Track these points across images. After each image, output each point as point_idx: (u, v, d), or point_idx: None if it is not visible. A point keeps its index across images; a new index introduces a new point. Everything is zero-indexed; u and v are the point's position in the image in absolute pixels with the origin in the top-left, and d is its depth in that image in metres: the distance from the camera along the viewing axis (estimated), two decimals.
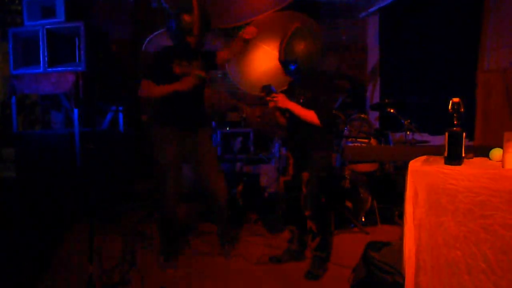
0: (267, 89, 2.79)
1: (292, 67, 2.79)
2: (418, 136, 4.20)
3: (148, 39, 4.95)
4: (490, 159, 1.90)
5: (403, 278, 1.75)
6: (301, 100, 2.82)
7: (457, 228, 1.64)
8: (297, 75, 2.85)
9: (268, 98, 2.79)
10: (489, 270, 1.57)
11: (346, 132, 4.30)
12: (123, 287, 2.69)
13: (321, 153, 2.85)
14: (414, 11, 5.16)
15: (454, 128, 1.74)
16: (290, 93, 2.90)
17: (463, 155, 1.76)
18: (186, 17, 2.85)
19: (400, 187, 4.12)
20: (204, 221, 4.14)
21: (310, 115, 2.76)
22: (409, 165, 1.81)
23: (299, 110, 2.79)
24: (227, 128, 5.44)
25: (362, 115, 4.34)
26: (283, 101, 2.77)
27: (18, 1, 5.66)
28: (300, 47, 2.74)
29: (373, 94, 6.11)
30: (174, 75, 2.92)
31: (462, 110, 1.74)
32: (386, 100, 4.17)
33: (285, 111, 2.89)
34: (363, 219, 3.90)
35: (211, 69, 3.21)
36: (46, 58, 4.15)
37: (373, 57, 6.15)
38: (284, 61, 2.82)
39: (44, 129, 5.19)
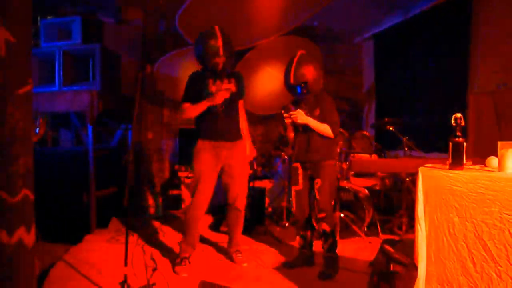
0: (287, 108, 3.16)
1: (299, 89, 3.15)
2: (415, 153, 4.51)
3: (159, 60, 5.24)
4: (486, 166, 2.19)
5: (416, 267, 2.02)
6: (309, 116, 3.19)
7: (462, 223, 1.93)
8: (304, 95, 3.19)
9: (286, 115, 3.17)
10: (490, 258, 1.84)
11: (349, 149, 4.60)
12: None
13: (330, 162, 3.26)
14: (406, 36, 5.50)
15: (457, 139, 2.05)
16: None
17: (464, 161, 2.06)
18: (212, 42, 3.16)
19: (398, 201, 4.42)
20: (216, 232, 4.40)
21: (325, 128, 3.17)
22: (419, 171, 2.13)
23: (315, 124, 3.17)
24: None
25: (364, 133, 4.63)
26: (301, 117, 3.13)
27: (34, 23, 5.92)
28: (307, 70, 3.11)
29: (369, 114, 6.43)
30: (208, 94, 3.28)
31: (463, 124, 2.05)
32: (385, 119, 4.47)
33: (297, 127, 3.23)
34: (365, 230, 4.15)
35: (242, 91, 3.50)
36: (61, 78, 4.30)
37: (368, 80, 6.50)
38: (293, 84, 3.17)
39: (54, 147, 5.34)
